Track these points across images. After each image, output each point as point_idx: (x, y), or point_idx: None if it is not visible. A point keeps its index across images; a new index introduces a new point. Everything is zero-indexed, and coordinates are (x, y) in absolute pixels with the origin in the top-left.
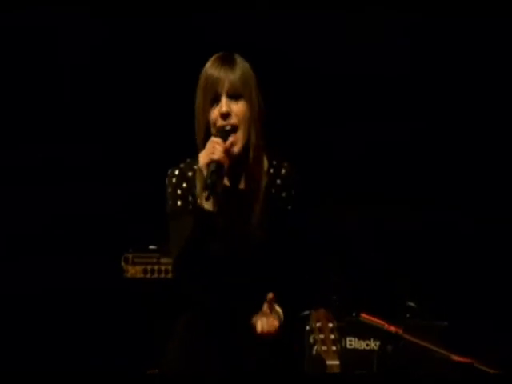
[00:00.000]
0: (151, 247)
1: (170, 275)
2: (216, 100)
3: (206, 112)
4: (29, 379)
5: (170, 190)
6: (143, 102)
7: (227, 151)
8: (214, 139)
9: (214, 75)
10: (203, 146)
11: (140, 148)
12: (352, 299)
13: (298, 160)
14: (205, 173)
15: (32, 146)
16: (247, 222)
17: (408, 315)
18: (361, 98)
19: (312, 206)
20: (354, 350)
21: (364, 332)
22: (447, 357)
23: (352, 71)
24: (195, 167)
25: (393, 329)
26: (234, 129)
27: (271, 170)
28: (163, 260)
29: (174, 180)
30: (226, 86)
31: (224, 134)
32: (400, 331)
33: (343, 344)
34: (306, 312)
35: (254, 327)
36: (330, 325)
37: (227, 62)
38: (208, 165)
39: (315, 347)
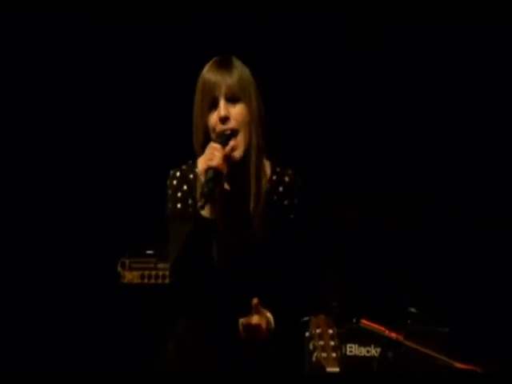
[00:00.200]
0: (148, 252)
1: (167, 281)
2: (214, 104)
3: (204, 117)
4: (29, 379)
5: (170, 192)
6: (143, 101)
7: (226, 157)
8: (213, 145)
9: (212, 79)
10: (202, 152)
11: (140, 148)
12: (352, 303)
13: (298, 160)
14: (202, 179)
15: (32, 146)
16: (248, 228)
17: (409, 321)
18: (361, 98)
19: (313, 212)
20: (355, 357)
21: (364, 338)
22: (449, 364)
23: (352, 71)
24: (196, 170)
25: (393, 335)
26: (234, 133)
27: (274, 177)
28: (160, 265)
29: (174, 182)
30: (224, 89)
31: (224, 138)
32: (401, 337)
33: (343, 351)
34: (306, 318)
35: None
36: (330, 331)
37: (224, 66)
38: (206, 171)
39: (315, 354)
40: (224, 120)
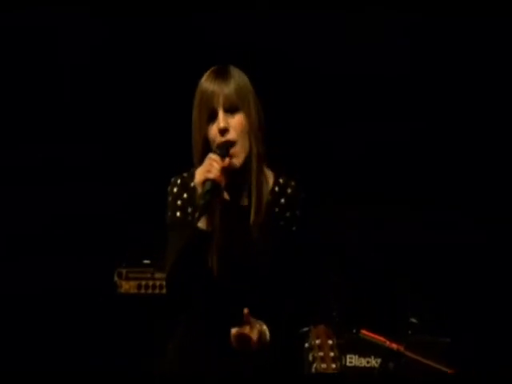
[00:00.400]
0: (145, 262)
1: (164, 291)
2: (213, 116)
3: (203, 129)
4: (29, 379)
5: (170, 199)
6: (143, 102)
7: (225, 169)
8: (212, 156)
9: (209, 90)
10: (200, 163)
11: (140, 148)
12: (352, 303)
13: (298, 160)
14: (200, 191)
15: (32, 146)
16: (248, 239)
17: (410, 332)
18: (361, 98)
19: (316, 224)
20: (355, 368)
21: (364, 349)
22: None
23: (352, 71)
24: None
25: (394, 346)
26: (233, 143)
27: (276, 188)
28: (158, 275)
29: (175, 190)
30: (222, 100)
31: (224, 150)
32: (402, 348)
33: (343, 361)
34: (305, 328)
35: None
36: (330, 342)
37: (221, 76)
38: (203, 183)
39: (314, 365)
40: (223, 132)
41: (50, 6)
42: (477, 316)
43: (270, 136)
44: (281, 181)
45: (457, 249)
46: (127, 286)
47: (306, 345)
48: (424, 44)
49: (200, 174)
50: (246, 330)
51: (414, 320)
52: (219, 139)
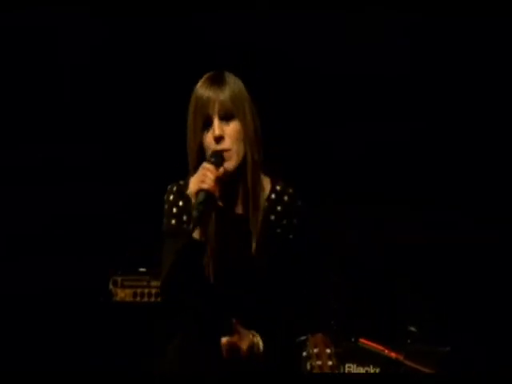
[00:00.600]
0: (141, 269)
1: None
2: (208, 123)
3: (198, 136)
4: (29, 379)
5: (166, 207)
6: (143, 101)
7: (219, 178)
8: (206, 165)
9: (204, 96)
10: (195, 170)
11: (140, 148)
12: (352, 304)
13: (298, 160)
14: (193, 201)
15: (32, 146)
16: (244, 246)
17: (409, 340)
18: (361, 98)
19: (314, 232)
20: None
21: (363, 358)
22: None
23: (352, 71)
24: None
25: (393, 355)
26: (228, 151)
27: (272, 196)
28: (153, 283)
29: (171, 197)
30: (217, 107)
31: (219, 159)
32: (401, 357)
33: (342, 370)
34: (303, 337)
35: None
36: (328, 350)
37: (216, 82)
38: (197, 194)
39: None
40: (219, 139)
41: (50, 6)
42: (477, 316)
43: (269, 137)
44: (278, 188)
45: (457, 249)
46: (123, 294)
47: (304, 353)
48: (424, 44)
49: (194, 184)
50: (235, 339)
51: (413, 329)
52: (214, 147)
